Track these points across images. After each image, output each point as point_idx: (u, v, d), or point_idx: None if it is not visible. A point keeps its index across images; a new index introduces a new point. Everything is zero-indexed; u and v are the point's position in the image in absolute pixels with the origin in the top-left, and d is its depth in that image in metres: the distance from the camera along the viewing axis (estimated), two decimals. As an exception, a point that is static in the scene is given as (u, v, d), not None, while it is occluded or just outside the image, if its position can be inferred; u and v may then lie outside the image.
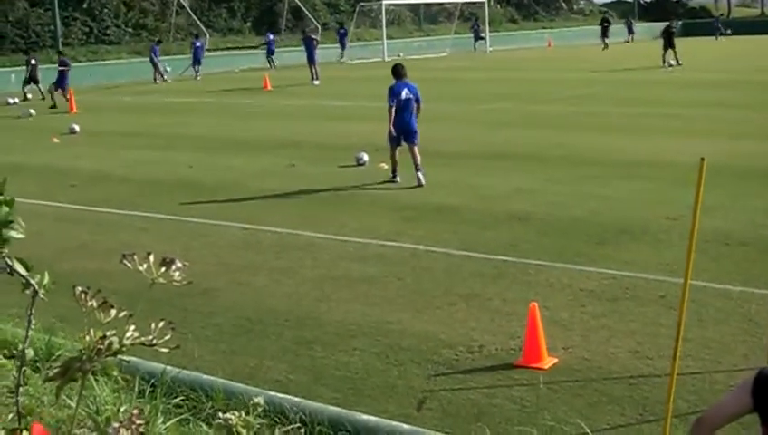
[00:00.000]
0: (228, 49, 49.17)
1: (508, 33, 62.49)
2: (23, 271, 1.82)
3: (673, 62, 35.82)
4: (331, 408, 5.67)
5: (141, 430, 1.74)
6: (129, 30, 48.13)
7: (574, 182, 13.37)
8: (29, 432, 1.83)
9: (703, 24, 65.38)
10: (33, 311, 1.88)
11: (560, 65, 40.47)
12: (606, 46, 50.67)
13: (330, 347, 7.20)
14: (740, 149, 15.60)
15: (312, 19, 52.04)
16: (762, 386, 3.01)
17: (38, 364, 5.82)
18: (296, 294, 8.67)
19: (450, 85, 31.44)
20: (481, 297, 8.27)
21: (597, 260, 9.27)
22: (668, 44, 36.29)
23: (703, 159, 4.61)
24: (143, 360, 5.90)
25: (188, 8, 50.10)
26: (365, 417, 5.51)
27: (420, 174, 13.64)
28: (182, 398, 5.77)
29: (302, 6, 53.36)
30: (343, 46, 47.93)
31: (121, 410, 4.87)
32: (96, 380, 5.29)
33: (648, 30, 63.05)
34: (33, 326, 1.94)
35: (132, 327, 1.81)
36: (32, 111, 27.18)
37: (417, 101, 13.89)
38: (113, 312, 1.83)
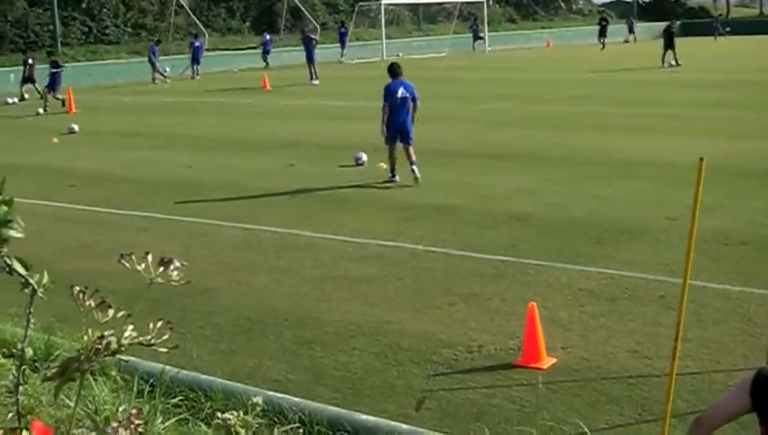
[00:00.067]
0: (227, 49, 49.14)
1: (507, 33, 62.49)
2: (22, 270, 1.82)
3: (673, 62, 35.81)
4: (331, 408, 5.67)
5: (140, 429, 1.74)
6: (129, 30, 48.10)
7: (574, 182, 13.37)
8: (29, 432, 1.83)
9: (701, 24, 65.38)
10: (32, 310, 1.88)
11: (559, 65, 40.47)
12: (603, 46, 50.61)
13: (329, 347, 7.20)
14: (739, 148, 15.61)
15: (311, 19, 52.03)
16: (760, 386, 3.01)
17: (37, 364, 5.82)
18: (296, 293, 8.67)
19: (449, 85, 31.44)
20: (480, 297, 8.27)
21: (596, 260, 9.27)
22: (669, 44, 36.29)
23: (702, 159, 4.61)
24: (142, 360, 5.90)
25: (187, 8, 50.10)
26: (364, 417, 5.51)
27: (415, 167, 13.72)
28: (181, 398, 5.77)
29: (300, 6, 53.36)
30: (343, 45, 47.97)
31: (120, 409, 4.87)
32: (95, 379, 5.29)
33: (648, 30, 63.08)
34: (32, 326, 1.94)
35: (131, 327, 1.81)
36: (39, 110, 27.18)
37: (414, 100, 13.88)
38: (111, 312, 1.83)
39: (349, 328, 7.61)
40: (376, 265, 9.52)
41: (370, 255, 9.93)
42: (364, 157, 15.62)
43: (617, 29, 59.57)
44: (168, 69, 39.86)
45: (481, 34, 54.94)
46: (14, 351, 5.89)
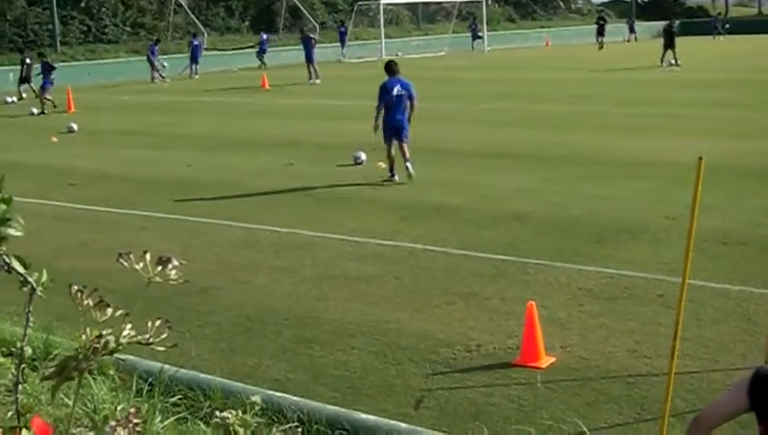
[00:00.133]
0: (226, 49, 49.12)
1: (506, 33, 62.47)
2: (20, 269, 1.82)
3: (673, 61, 35.80)
4: (330, 407, 5.68)
5: (138, 428, 1.74)
6: (128, 29, 48.09)
7: (573, 182, 13.37)
8: (28, 430, 1.83)
9: (700, 24, 65.39)
10: (31, 309, 1.88)
11: (558, 65, 40.47)
12: (601, 46, 50.48)
13: (328, 346, 7.20)
14: (738, 148, 15.61)
15: (310, 18, 52.00)
16: (759, 385, 3.01)
17: (36, 363, 5.82)
18: (295, 292, 8.67)
19: (448, 85, 31.43)
20: (479, 296, 8.27)
21: (595, 259, 9.27)
22: (669, 44, 36.26)
23: (701, 158, 4.61)
24: (141, 359, 5.90)
25: (186, 7, 50.07)
26: (363, 416, 5.51)
27: (409, 164, 13.79)
28: (180, 397, 5.77)
29: (299, 5, 53.34)
30: (343, 45, 48.02)
31: (119, 408, 4.87)
32: (94, 378, 5.29)
33: (647, 29, 63.09)
34: (31, 324, 1.94)
35: (129, 326, 1.81)
36: (34, 110, 27.11)
37: (411, 98, 13.88)
38: (110, 311, 1.83)
39: (348, 327, 7.61)
40: (375, 264, 9.52)
41: (369, 254, 9.93)
42: (363, 156, 15.62)
43: (615, 28, 59.55)
44: (165, 64, 39.81)
45: (480, 34, 54.94)
46: (13, 349, 5.89)
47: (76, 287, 1.83)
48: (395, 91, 13.81)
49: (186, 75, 40.53)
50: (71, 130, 22.11)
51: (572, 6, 77.85)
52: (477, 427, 5.57)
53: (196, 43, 41.07)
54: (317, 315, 7.96)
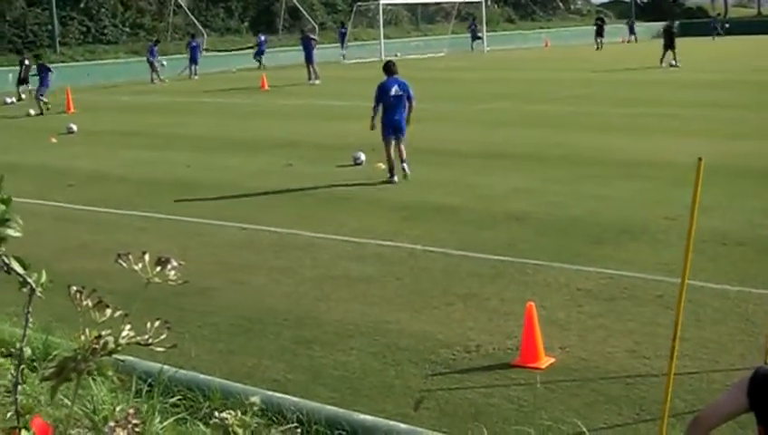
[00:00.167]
0: (226, 49, 49.11)
1: (505, 33, 62.49)
2: (20, 269, 1.82)
3: (673, 62, 35.79)
4: (329, 407, 5.67)
5: (138, 429, 1.74)
6: (127, 30, 48.08)
7: (572, 182, 13.37)
8: (27, 431, 1.83)
9: (699, 24, 65.41)
10: (30, 309, 1.88)
11: (557, 65, 40.48)
12: (599, 46, 50.41)
13: (328, 347, 7.20)
14: (737, 148, 15.62)
15: (310, 19, 52.02)
16: (758, 385, 3.01)
17: (35, 363, 5.82)
18: (295, 293, 8.67)
19: (448, 85, 31.44)
20: (479, 297, 8.27)
21: (595, 260, 9.27)
22: (669, 44, 36.26)
23: (700, 159, 4.61)
24: (140, 359, 5.90)
25: (186, 8, 50.07)
26: (362, 416, 5.51)
27: (405, 165, 13.85)
28: (179, 397, 5.77)
29: (299, 6, 53.35)
30: (344, 45, 48.12)
31: (118, 409, 4.87)
32: (93, 379, 5.28)
33: (646, 30, 63.09)
34: (30, 325, 1.94)
35: (128, 326, 1.81)
36: (31, 111, 27.07)
37: (409, 98, 13.90)
38: (109, 311, 1.83)
39: (347, 328, 7.61)
40: (375, 264, 9.52)
41: (369, 254, 9.93)
42: (362, 156, 15.62)
43: (615, 29, 59.55)
44: (164, 62, 39.77)
45: (479, 34, 54.95)
46: (12, 350, 5.89)
47: (75, 288, 1.83)
48: (393, 92, 13.83)
49: (185, 76, 40.53)
50: (70, 131, 22.11)
51: (572, 7, 77.85)
52: (477, 427, 5.57)
53: (194, 43, 41.07)
54: (316, 316, 7.96)
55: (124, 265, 1.91)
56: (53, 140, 20.88)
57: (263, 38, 44.94)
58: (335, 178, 14.45)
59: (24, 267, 1.83)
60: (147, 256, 1.90)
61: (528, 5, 71.87)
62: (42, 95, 27.71)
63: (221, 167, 16.16)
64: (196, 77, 39.84)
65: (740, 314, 7.55)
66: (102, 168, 16.67)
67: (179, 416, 5.50)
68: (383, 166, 14.30)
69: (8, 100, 31.16)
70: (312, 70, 34.47)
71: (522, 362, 6.65)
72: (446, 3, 59.37)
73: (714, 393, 5.82)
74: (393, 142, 13.90)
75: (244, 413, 2.10)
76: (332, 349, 7.15)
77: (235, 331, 7.68)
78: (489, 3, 62.02)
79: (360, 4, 52.15)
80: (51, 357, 5.92)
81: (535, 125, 20.29)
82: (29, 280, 1.82)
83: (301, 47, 36.79)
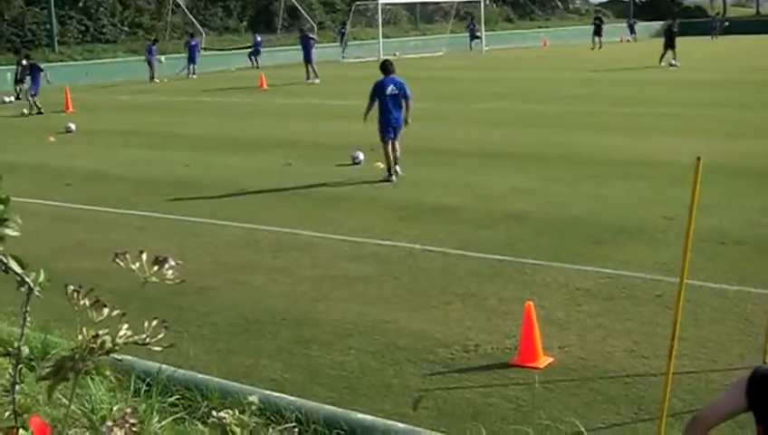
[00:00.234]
0: (224, 49, 49.09)
1: (504, 33, 62.50)
2: (18, 269, 1.82)
3: (673, 61, 35.80)
4: (327, 407, 5.67)
5: (135, 429, 1.74)
6: (125, 29, 48.06)
7: (571, 182, 13.38)
8: (25, 430, 1.82)
9: (698, 24, 65.44)
10: (28, 309, 1.88)
11: (556, 65, 40.48)
12: (596, 46, 50.23)
13: (326, 346, 7.20)
14: (736, 148, 15.63)
15: (308, 18, 52.00)
16: (757, 385, 3.01)
17: (33, 363, 5.81)
18: (293, 293, 8.66)
19: (446, 84, 31.45)
20: (477, 296, 8.27)
21: (593, 259, 9.27)
22: (669, 44, 36.27)
23: (699, 158, 4.61)
24: (139, 359, 5.90)
25: (184, 7, 50.05)
26: (361, 416, 5.51)
27: (398, 167, 13.89)
28: (177, 397, 5.76)
29: (298, 5, 53.33)
30: (343, 45, 48.18)
31: (115, 408, 4.86)
32: (91, 378, 5.28)
33: (645, 29, 63.13)
34: (28, 324, 1.94)
35: (125, 326, 1.81)
36: (24, 111, 27.02)
37: (406, 97, 13.91)
38: (106, 311, 1.82)
39: (345, 327, 7.61)
40: (373, 264, 9.52)
41: (368, 254, 9.93)
42: (361, 156, 15.62)
43: (613, 28, 59.55)
44: (162, 59, 39.71)
45: (478, 34, 54.95)
46: (10, 349, 5.88)
47: (72, 287, 1.83)
48: (389, 91, 13.85)
49: (183, 75, 40.51)
50: (68, 130, 22.10)
51: (570, 6, 77.88)
52: (475, 427, 5.57)
53: (193, 43, 41.04)
54: (315, 316, 7.96)
55: (121, 264, 1.90)
56: (52, 140, 20.86)
57: (259, 38, 44.96)
58: (334, 177, 14.44)
59: (22, 267, 1.83)
60: (144, 256, 1.90)
61: (527, 5, 71.88)
62: (33, 95, 27.54)
63: (220, 166, 16.16)
64: (195, 76, 39.82)
65: (738, 314, 7.55)
66: (101, 167, 16.66)
67: (178, 415, 5.50)
68: (382, 165, 14.31)
69: (6, 99, 31.14)
70: (310, 69, 34.46)
71: (520, 362, 6.65)
72: (445, 2, 59.39)
73: (712, 393, 5.82)
74: (390, 142, 13.91)
75: (242, 413, 2.10)
76: (330, 348, 7.14)
77: (233, 330, 7.68)
78: (488, 2, 62.05)
79: (358, 3, 52.15)
80: (49, 356, 5.91)
81: (534, 125, 20.29)
82: (27, 279, 1.82)
83: (299, 46, 36.80)
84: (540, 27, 66.81)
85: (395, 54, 44.50)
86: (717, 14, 74.12)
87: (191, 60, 40.42)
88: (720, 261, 9.05)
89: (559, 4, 75.64)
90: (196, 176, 15.25)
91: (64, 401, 4.79)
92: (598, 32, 51.46)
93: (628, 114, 21.57)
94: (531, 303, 6.80)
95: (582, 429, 5.46)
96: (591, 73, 34.13)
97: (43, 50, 42.20)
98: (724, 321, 7.40)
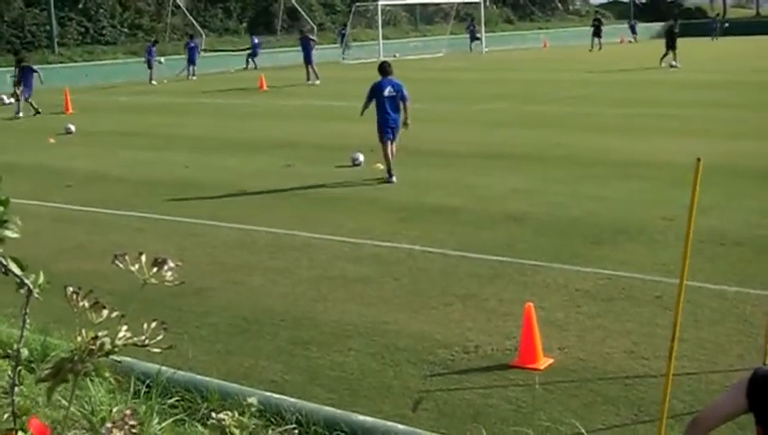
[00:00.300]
0: (224, 50, 49.09)
1: (504, 34, 62.53)
2: (17, 270, 1.82)
3: (673, 62, 35.80)
4: (327, 408, 5.67)
5: (135, 430, 1.74)
6: (125, 30, 48.07)
7: (571, 182, 13.38)
8: (25, 432, 1.82)
9: (698, 25, 65.45)
10: (27, 310, 1.88)
11: (556, 66, 40.50)
12: (595, 47, 50.16)
13: (325, 347, 7.19)
14: (736, 149, 15.63)
15: (308, 19, 52.01)
16: (757, 386, 3.01)
17: (33, 365, 5.81)
18: (292, 294, 8.66)
19: (446, 86, 31.45)
20: (477, 298, 8.27)
21: (593, 260, 9.27)
22: (670, 44, 36.27)
23: (699, 159, 4.61)
24: (138, 360, 5.90)
25: (184, 8, 50.06)
26: (361, 417, 5.51)
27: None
28: (177, 398, 5.76)
29: (297, 7, 53.34)
30: (343, 45, 48.23)
31: (115, 410, 4.86)
32: (91, 380, 5.28)
33: (645, 30, 63.14)
34: (28, 326, 1.94)
35: (125, 328, 1.81)
36: (20, 114, 26.93)
37: (403, 98, 13.93)
38: (105, 312, 1.82)
39: (345, 328, 7.60)
40: (372, 265, 9.51)
41: (367, 255, 9.93)
42: (361, 157, 15.62)
43: (613, 29, 59.55)
44: (162, 60, 39.69)
45: (478, 35, 54.97)
46: (9, 351, 5.88)
47: (72, 289, 1.83)
48: (386, 92, 13.87)
49: (183, 77, 40.52)
50: (68, 132, 22.10)
51: (570, 8, 77.90)
52: (475, 428, 5.57)
53: (192, 44, 41.05)
54: (314, 317, 7.95)
55: (121, 266, 1.90)
56: (51, 141, 20.86)
57: (256, 40, 44.99)
58: (334, 178, 14.45)
59: (22, 268, 1.83)
60: (144, 257, 1.90)
61: (527, 6, 71.91)
62: (27, 98, 27.21)
63: (219, 167, 16.16)
64: (194, 78, 39.82)
65: (738, 315, 7.55)
66: (100, 168, 16.66)
67: (177, 417, 5.50)
68: (381, 166, 14.31)
69: (6, 100, 31.14)
70: (311, 70, 34.47)
71: (520, 363, 6.65)
72: (445, 3, 59.40)
73: (712, 394, 5.82)
74: (389, 142, 13.93)
75: (241, 414, 2.10)
76: (330, 350, 7.14)
77: (232, 331, 7.68)
78: (488, 3, 62.05)
79: (358, 4, 52.17)
80: (48, 358, 5.91)
81: (534, 126, 20.29)
82: (26, 281, 1.82)
83: (300, 48, 36.80)
84: (540, 28, 66.83)
85: (395, 56, 44.54)
86: (717, 15, 74.11)
87: (191, 61, 40.43)
88: (719, 262, 9.05)
89: (559, 5, 75.65)
90: (195, 177, 15.24)
91: (64, 402, 4.78)
92: (597, 33, 51.41)
93: (628, 115, 21.57)
94: (531, 304, 6.80)
95: (582, 430, 5.46)
96: (591, 74, 34.14)
97: (43, 51, 42.21)
98: (724, 322, 7.40)
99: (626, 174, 13.85)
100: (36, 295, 1.84)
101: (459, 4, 58.65)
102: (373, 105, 14.16)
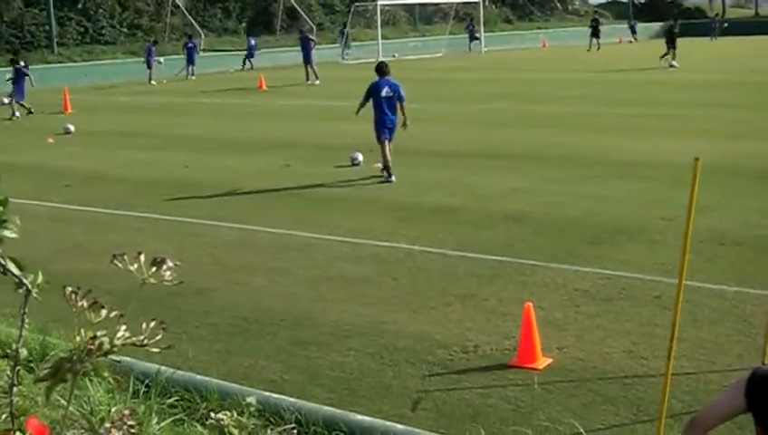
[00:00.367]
0: (223, 50, 49.08)
1: (503, 34, 62.50)
2: (16, 270, 1.82)
3: (673, 62, 35.81)
4: (326, 408, 5.67)
5: (133, 430, 1.74)
6: (125, 30, 48.06)
7: (570, 182, 13.38)
8: (23, 433, 1.82)
9: (698, 25, 65.45)
10: (26, 310, 1.88)
11: (555, 66, 40.50)
12: (593, 47, 50.10)
13: (325, 347, 7.19)
14: (735, 149, 15.63)
15: (308, 19, 52.00)
16: (756, 386, 3.01)
17: (32, 365, 5.81)
18: (292, 294, 8.66)
19: (446, 85, 31.45)
20: (476, 297, 8.27)
21: (592, 260, 9.27)
22: (669, 44, 36.27)
23: (697, 159, 4.61)
24: (137, 360, 5.89)
25: (183, 8, 50.04)
26: (360, 417, 5.51)
27: (386, 172, 13.98)
28: (176, 398, 5.76)
29: (297, 7, 53.33)
30: (343, 45, 48.25)
31: (113, 410, 4.86)
32: (90, 380, 5.28)
33: (644, 30, 63.13)
34: (26, 326, 1.94)
35: (123, 327, 1.81)
36: (17, 114, 26.91)
37: (401, 99, 13.94)
38: (104, 312, 1.82)
39: (344, 328, 7.60)
40: (372, 265, 9.51)
41: (366, 255, 9.93)
42: (360, 157, 15.62)
43: (612, 30, 59.54)
44: (161, 60, 39.66)
45: (477, 35, 54.94)
46: (8, 351, 5.88)
47: (71, 289, 1.82)
48: (384, 93, 13.89)
49: (182, 77, 40.51)
50: (67, 132, 22.08)
51: (569, 8, 77.87)
52: (474, 428, 5.57)
53: (191, 44, 41.03)
54: (314, 317, 7.95)
55: (120, 265, 1.90)
56: (51, 141, 20.85)
57: (253, 42, 44.98)
58: (333, 178, 14.45)
59: (20, 268, 1.82)
60: (142, 257, 1.90)
61: (526, 6, 71.90)
62: (19, 101, 26.81)
63: (219, 167, 16.15)
64: (194, 78, 39.81)
65: (737, 315, 7.55)
66: (100, 168, 16.65)
67: (177, 417, 5.50)
68: (380, 165, 14.31)
69: (5, 100, 31.09)
70: (310, 70, 34.46)
71: (519, 363, 6.65)
72: (444, 3, 59.39)
73: (711, 394, 5.82)
74: (387, 143, 13.95)
75: (240, 414, 2.10)
76: (329, 350, 7.14)
77: (231, 331, 7.68)
78: (487, 3, 62.05)
79: (357, 4, 52.18)
80: (47, 358, 5.91)
81: (533, 125, 20.29)
82: (25, 281, 1.82)
83: (299, 48, 36.80)
84: (539, 28, 66.81)
85: (394, 55, 44.53)
86: (717, 15, 74.08)
87: (190, 61, 40.42)
88: (719, 262, 9.05)
89: (558, 5, 75.65)
90: (195, 177, 15.24)
91: (63, 402, 4.78)
92: (595, 33, 51.37)
93: (627, 115, 21.57)
94: (530, 304, 6.80)
95: (581, 430, 5.46)
96: (591, 74, 34.14)
97: (42, 51, 42.21)
98: (723, 322, 7.40)
99: (625, 174, 13.85)
100: (35, 295, 1.83)
101: (458, 3, 58.65)
102: (370, 105, 14.18)
